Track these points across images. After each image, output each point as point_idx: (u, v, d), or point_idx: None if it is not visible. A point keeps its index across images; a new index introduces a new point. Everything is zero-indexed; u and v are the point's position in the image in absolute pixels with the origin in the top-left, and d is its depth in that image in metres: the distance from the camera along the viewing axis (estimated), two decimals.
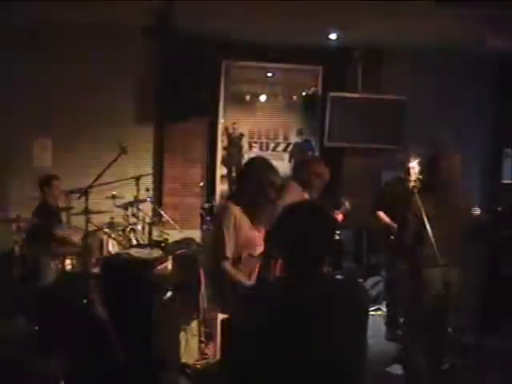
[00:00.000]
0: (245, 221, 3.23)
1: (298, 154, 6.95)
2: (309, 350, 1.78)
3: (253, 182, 3.24)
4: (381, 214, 5.16)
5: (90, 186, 4.53)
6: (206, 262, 4.19)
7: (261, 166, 3.32)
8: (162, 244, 5.25)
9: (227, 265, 3.16)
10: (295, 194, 4.06)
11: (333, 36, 6.06)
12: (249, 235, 3.23)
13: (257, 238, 3.27)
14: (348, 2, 4.74)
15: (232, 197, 3.46)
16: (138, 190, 5.84)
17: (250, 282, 3.14)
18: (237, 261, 3.20)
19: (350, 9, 4.95)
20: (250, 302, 1.94)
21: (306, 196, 4.21)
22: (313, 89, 6.88)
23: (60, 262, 4.79)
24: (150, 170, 6.48)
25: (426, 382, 3.84)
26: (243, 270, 3.21)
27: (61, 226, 5.65)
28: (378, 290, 6.13)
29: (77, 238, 5.33)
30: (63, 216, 5.60)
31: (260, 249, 3.29)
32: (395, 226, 4.81)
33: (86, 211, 4.53)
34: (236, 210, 3.21)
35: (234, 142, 6.82)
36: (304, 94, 6.90)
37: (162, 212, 5.92)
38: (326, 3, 4.77)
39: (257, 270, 3.27)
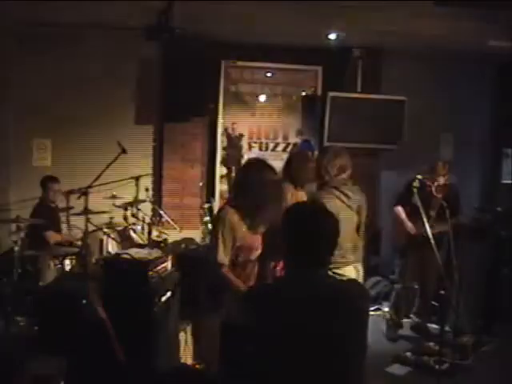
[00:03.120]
0: (241, 225, 3.15)
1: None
2: (309, 349, 1.79)
3: (251, 183, 3.14)
4: (399, 208, 5.16)
5: (90, 186, 4.54)
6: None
7: (258, 167, 3.23)
8: (162, 244, 5.26)
9: (224, 270, 3.11)
10: (289, 194, 4.08)
11: (332, 36, 6.05)
12: (245, 239, 3.16)
13: (255, 241, 3.22)
14: (348, 2, 4.74)
15: (230, 201, 3.31)
16: (137, 190, 5.83)
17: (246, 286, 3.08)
18: (234, 265, 3.15)
19: (350, 9, 4.94)
20: (252, 303, 1.94)
21: (300, 193, 4.22)
22: (312, 89, 6.88)
23: (60, 262, 4.79)
24: (149, 170, 6.48)
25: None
26: (241, 274, 3.17)
27: (60, 226, 5.67)
28: (377, 290, 6.13)
29: (76, 238, 5.35)
30: (63, 216, 5.60)
31: (258, 252, 3.25)
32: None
33: (86, 211, 4.54)
34: (232, 214, 3.14)
35: (234, 142, 6.82)
36: (304, 94, 6.89)
37: (162, 212, 5.92)
38: (326, 3, 4.76)
39: (255, 273, 3.26)
